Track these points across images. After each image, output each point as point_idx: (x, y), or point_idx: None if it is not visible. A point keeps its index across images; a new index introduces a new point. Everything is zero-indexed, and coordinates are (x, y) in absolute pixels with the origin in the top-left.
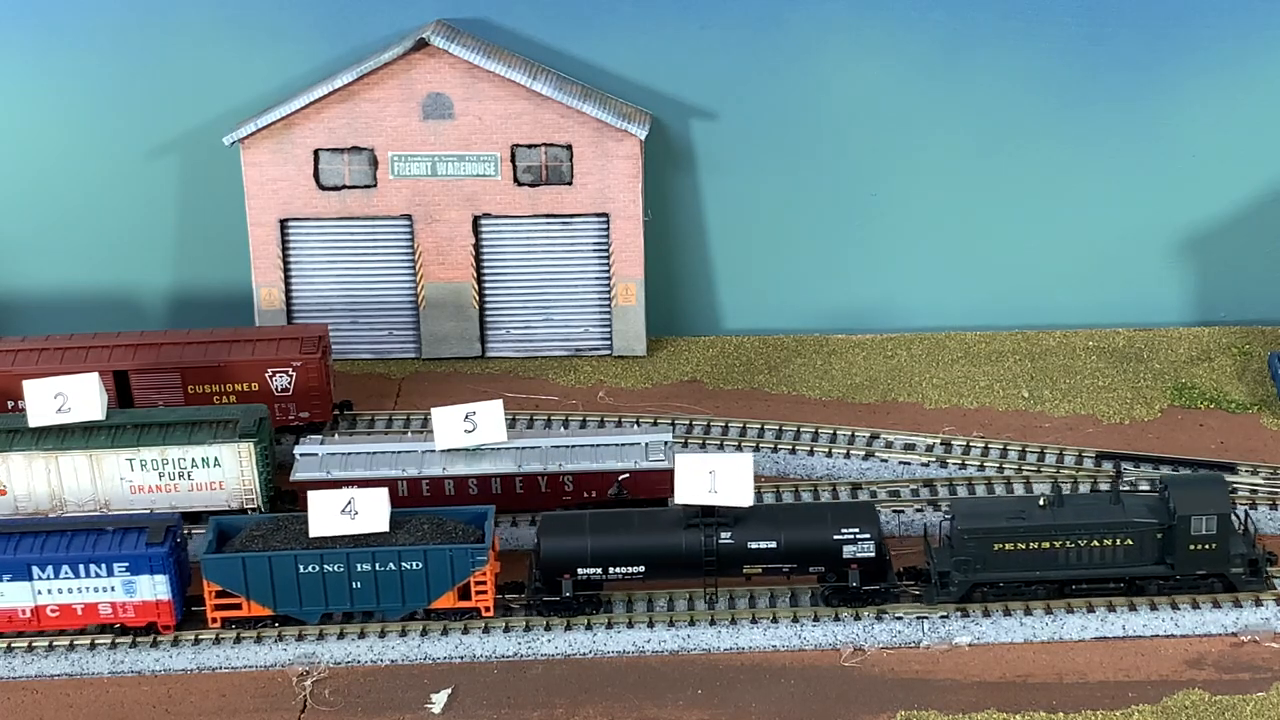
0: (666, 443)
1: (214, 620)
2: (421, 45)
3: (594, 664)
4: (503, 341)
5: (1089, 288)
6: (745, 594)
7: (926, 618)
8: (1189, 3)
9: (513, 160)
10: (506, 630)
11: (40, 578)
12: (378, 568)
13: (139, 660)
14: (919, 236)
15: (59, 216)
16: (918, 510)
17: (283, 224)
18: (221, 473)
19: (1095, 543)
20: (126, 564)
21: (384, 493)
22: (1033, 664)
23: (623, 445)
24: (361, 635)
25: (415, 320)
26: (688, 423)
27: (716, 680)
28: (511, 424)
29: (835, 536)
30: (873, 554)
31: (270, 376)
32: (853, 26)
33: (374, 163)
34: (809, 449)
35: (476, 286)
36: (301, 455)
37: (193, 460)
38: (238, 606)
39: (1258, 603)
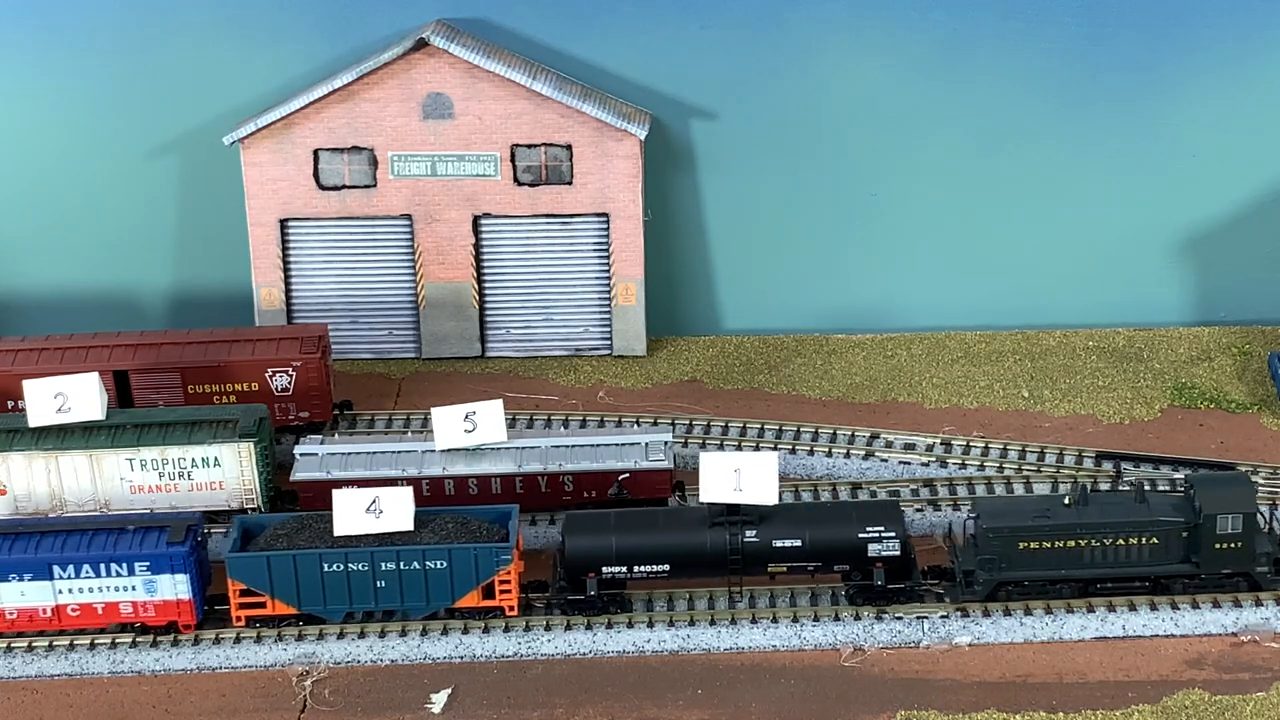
0: (666, 443)
1: (238, 619)
2: (421, 45)
3: (594, 664)
4: (503, 341)
5: (1089, 288)
6: (747, 593)
7: (926, 618)
8: (1189, 3)
9: (513, 160)
10: (506, 630)
11: (61, 577)
12: (402, 567)
13: (139, 660)
14: (919, 236)
15: (59, 216)
16: (918, 510)
17: (283, 224)
18: (221, 473)
19: (1120, 541)
20: (147, 563)
21: (409, 492)
22: (1033, 664)
23: (623, 445)
24: (361, 635)
25: (415, 320)
26: (688, 423)
27: (716, 680)
28: (511, 424)
29: (860, 535)
30: (898, 552)
31: (270, 376)
32: (853, 26)
33: (374, 163)
34: (809, 449)
35: (476, 286)
36: (301, 455)
37: (193, 460)
38: (262, 605)
39: (1258, 603)
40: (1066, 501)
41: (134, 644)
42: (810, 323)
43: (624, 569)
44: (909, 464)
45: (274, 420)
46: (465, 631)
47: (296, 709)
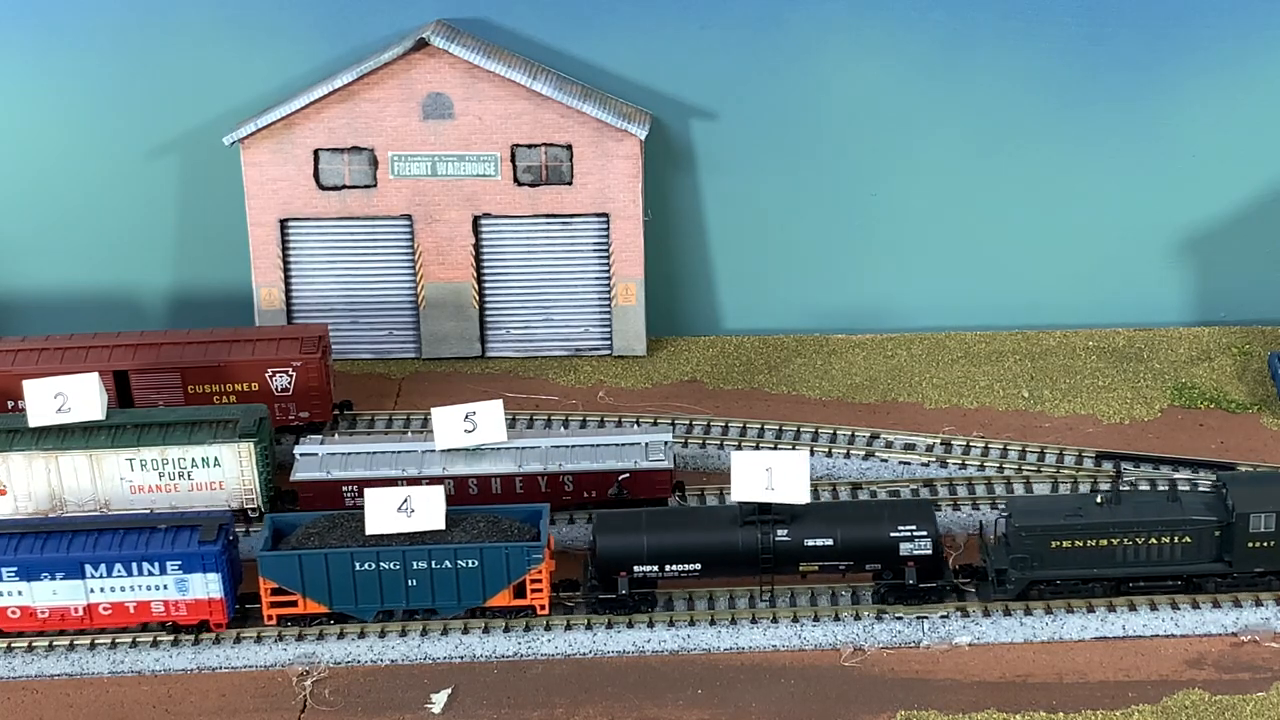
0: (666, 443)
1: (270, 618)
2: (421, 45)
3: (594, 664)
4: (503, 341)
5: (1089, 288)
6: (747, 593)
7: (926, 618)
8: (1189, 3)
9: (513, 160)
10: (506, 630)
11: (93, 576)
12: (434, 566)
13: (139, 660)
14: (919, 236)
15: (59, 216)
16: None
17: (283, 224)
18: (221, 473)
19: (1153, 540)
20: (179, 562)
21: (440, 490)
22: (1033, 664)
23: (623, 445)
24: (361, 635)
25: (415, 320)
26: (688, 423)
27: (716, 680)
28: (511, 424)
29: (892, 534)
30: (929, 551)
31: (270, 376)
32: (853, 26)
33: (374, 163)
34: (809, 449)
35: (476, 286)
36: (301, 455)
37: (193, 460)
38: (294, 604)
39: (1258, 603)
40: (1099, 500)
41: (134, 644)
42: (810, 323)
43: (655, 568)
44: (909, 464)
45: (274, 420)
46: (465, 631)
47: (296, 709)
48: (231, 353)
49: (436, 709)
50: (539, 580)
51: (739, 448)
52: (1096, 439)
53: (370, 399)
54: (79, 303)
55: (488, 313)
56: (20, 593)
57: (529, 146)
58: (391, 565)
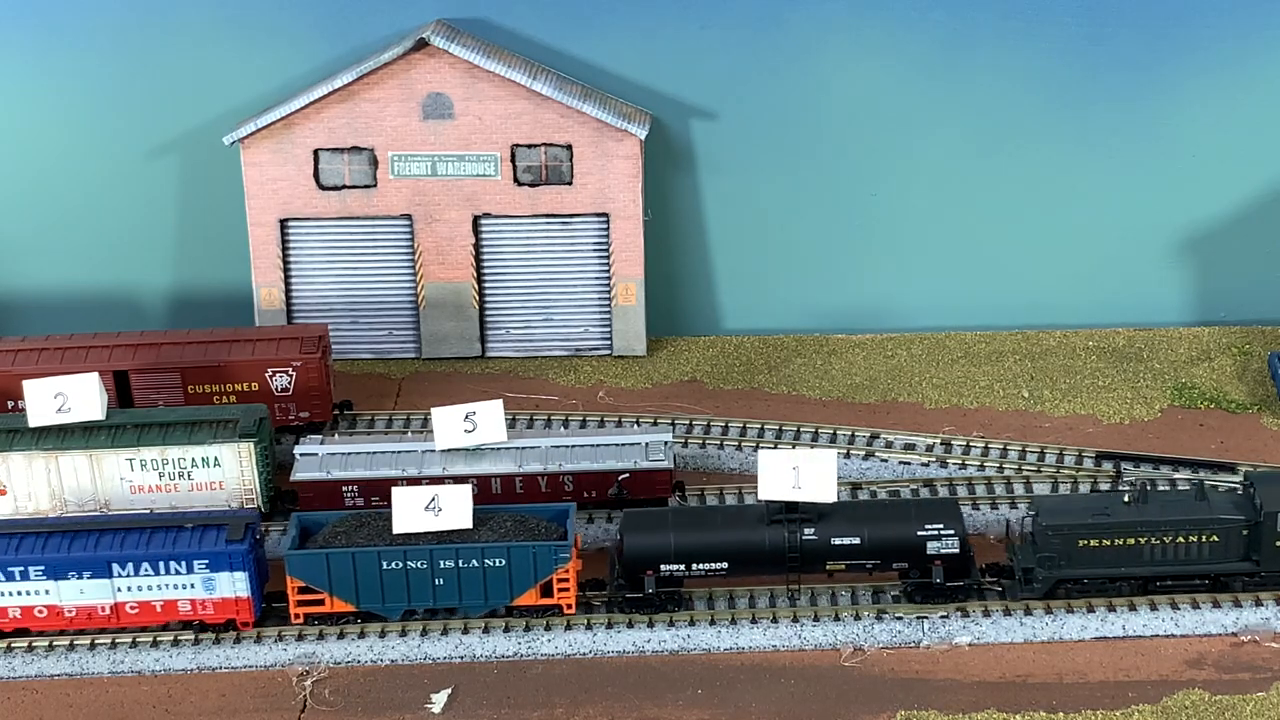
0: (666, 443)
1: (297, 616)
2: (421, 45)
3: (594, 664)
4: (503, 341)
5: (1089, 288)
6: (747, 593)
7: (926, 618)
8: (1189, 3)
9: (513, 160)
10: (506, 630)
11: (120, 575)
12: (461, 565)
13: (139, 660)
14: (919, 236)
15: (59, 216)
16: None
17: (283, 224)
18: (221, 473)
19: (1180, 539)
20: (206, 561)
21: (467, 489)
22: (1033, 664)
23: (623, 445)
24: (361, 635)
25: (415, 320)
26: (688, 423)
27: (716, 680)
28: (511, 424)
29: (919, 533)
30: (956, 550)
31: (270, 376)
32: (853, 26)
33: (374, 163)
34: (809, 449)
35: (476, 286)
36: (301, 455)
37: (193, 460)
38: (320, 603)
39: (1258, 603)
40: (1126, 499)
41: (134, 644)
42: (810, 323)
43: (682, 567)
44: (909, 464)
45: (274, 420)
46: (465, 631)
47: (296, 709)
48: (231, 353)
49: (436, 709)
50: (566, 579)
51: (739, 448)
52: (1096, 439)
53: (370, 399)
54: (79, 303)
55: (488, 313)
56: (47, 591)
57: (529, 146)
58: (419, 564)
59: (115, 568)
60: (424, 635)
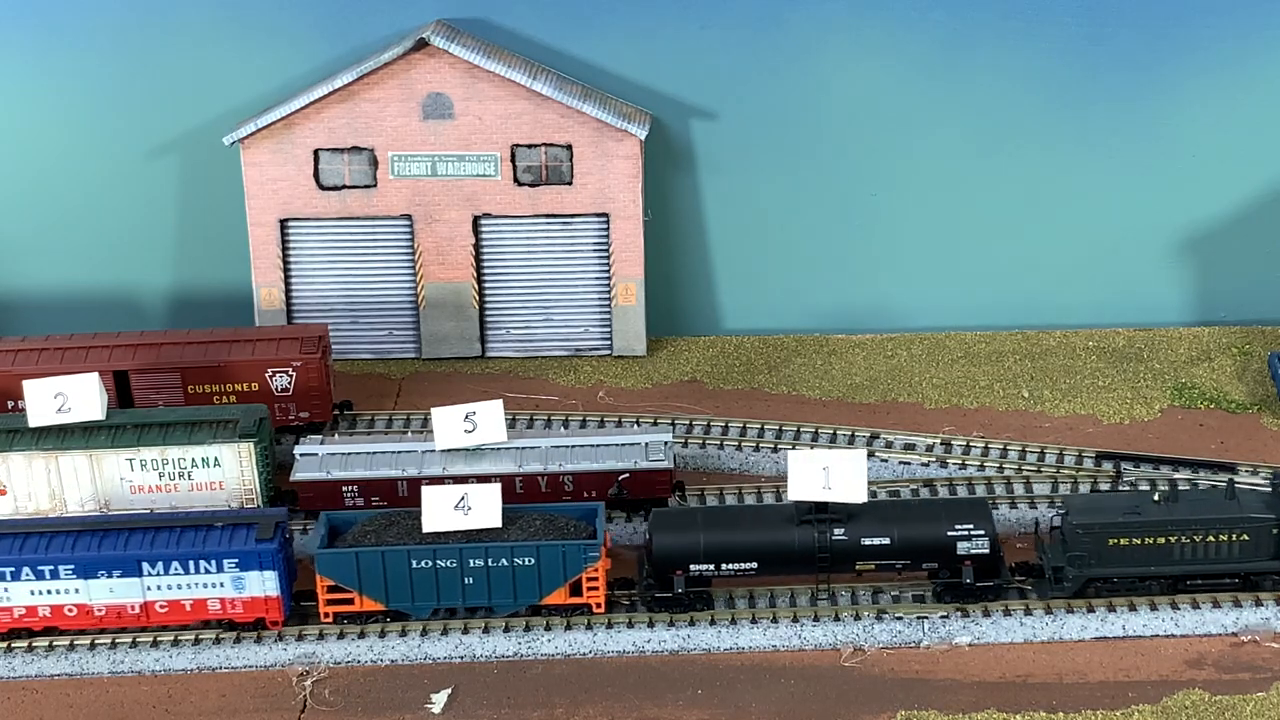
0: (666, 443)
1: (326, 615)
2: (421, 45)
3: (594, 664)
4: (503, 341)
5: (1089, 288)
6: (747, 593)
7: (926, 618)
8: (1189, 3)
9: (513, 160)
10: (506, 630)
11: (150, 574)
12: (490, 564)
13: (139, 660)
14: (919, 236)
15: (59, 216)
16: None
17: (283, 224)
18: (221, 473)
19: (1210, 538)
20: (236, 560)
21: (497, 488)
22: (1033, 664)
23: (623, 445)
24: (361, 635)
25: (415, 320)
26: (688, 423)
27: (716, 680)
28: (511, 424)
29: (949, 533)
30: (987, 550)
31: (270, 376)
32: (853, 26)
33: (374, 163)
34: (809, 449)
35: (476, 286)
36: (301, 455)
37: (193, 460)
38: (350, 601)
39: (1258, 603)
40: (1156, 498)
41: (134, 644)
42: (810, 323)
43: (711, 566)
44: (909, 464)
45: (274, 420)
46: (465, 632)
47: (296, 709)
48: (231, 353)
49: (436, 709)
50: (595, 578)
51: (739, 448)
52: (1096, 439)
53: (370, 399)
54: (79, 303)
55: (488, 313)
56: (77, 590)
57: (529, 146)
58: (448, 563)
59: (145, 566)
60: (424, 635)
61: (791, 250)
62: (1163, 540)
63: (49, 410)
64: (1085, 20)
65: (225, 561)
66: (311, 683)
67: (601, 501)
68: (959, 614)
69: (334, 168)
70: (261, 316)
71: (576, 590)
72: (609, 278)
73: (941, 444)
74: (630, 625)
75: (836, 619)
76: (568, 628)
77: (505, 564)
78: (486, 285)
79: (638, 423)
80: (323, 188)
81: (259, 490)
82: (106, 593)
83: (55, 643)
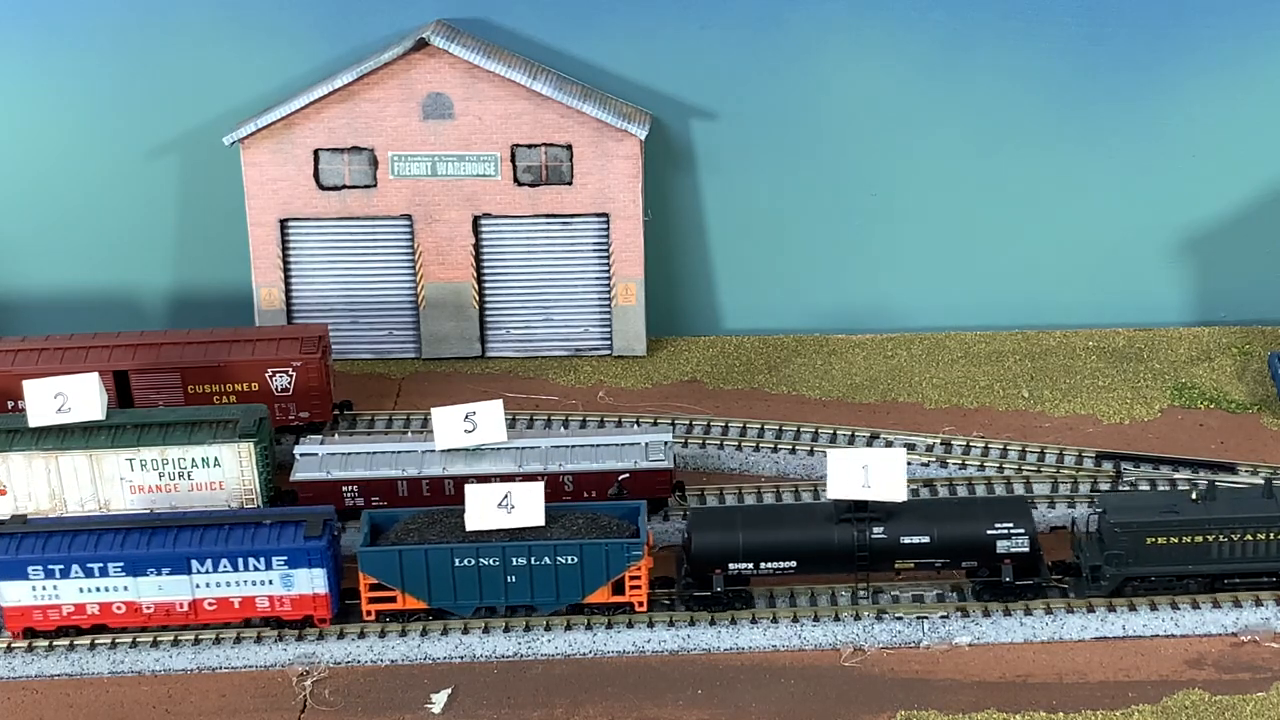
0: (666, 443)
1: (369, 614)
2: (421, 45)
3: (594, 664)
4: (503, 341)
5: (1089, 288)
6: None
7: (926, 618)
8: (1189, 3)
9: (513, 160)
10: (506, 630)
11: (199, 571)
12: (533, 562)
13: (139, 660)
14: (919, 236)
15: (59, 216)
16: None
17: (283, 224)
18: (221, 473)
19: (1248, 537)
20: (285, 557)
21: (539, 487)
22: (1033, 664)
23: (623, 445)
24: (361, 635)
25: (415, 320)
26: (688, 423)
27: (716, 680)
28: (511, 424)
29: (989, 531)
30: (1026, 549)
31: (270, 376)
32: (853, 26)
33: (374, 163)
34: (809, 449)
35: (476, 286)
36: (301, 455)
37: (193, 460)
38: (392, 600)
39: (1258, 603)
40: (1194, 497)
41: (134, 644)
42: (810, 323)
43: (750, 565)
44: (909, 464)
45: (274, 420)
46: (465, 632)
47: (296, 709)
48: (231, 353)
49: (436, 709)
50: (638, 577)
51: (739, 448)
52: (1096, 439)
53: (370, 399)
54: (79, 303)
55: (488, 313)
56: (126, 588)
57: (529, 146)
58: (491, 561)
59: (194, 564)
60: (424, 635)
61: (791, 250)
62: (1200, 539)
63: (49, 410)
64: (1085, 20)
65: (274, 559)
66: (311, 683)
67: (644, 500)
68: (959, 614)
69: (334, 168)
70: (261, 316)
71: (619, 589)
72: (609, 278)
73: (941, 444)
74: (630, 625)
75: (836, 619)
76: (567, 628)
77: (548, 562)
78: (486, 285)
79: (638, 423)
80: (323, 188)
81: (259, 490)
82: (155, 590)
83: (55, 643)
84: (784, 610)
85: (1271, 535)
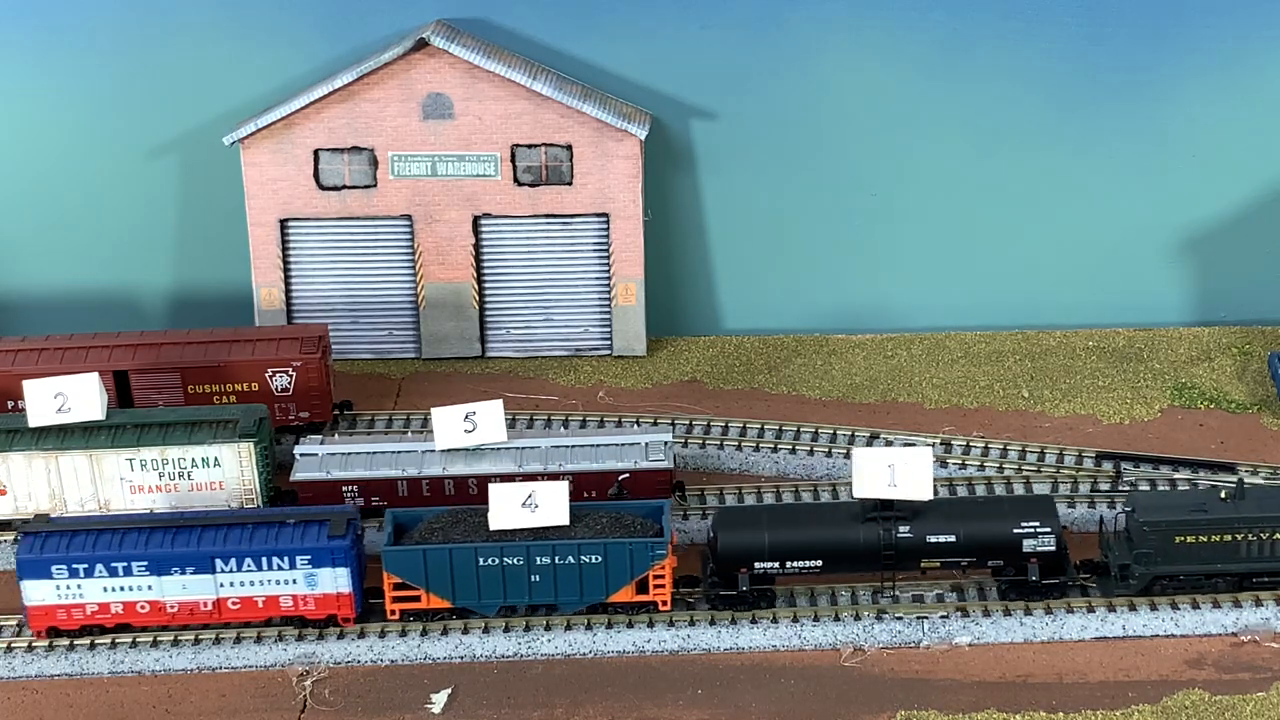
0: (666, 443)
1: (393, 613)
2: (421, 45)
3: (594, 664)
4: (503, 341)
5: (1089, 288)
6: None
7: (926, 618)
8: (1189, 3)
9: (513, 160)
10: (506, 630)
11: (223, 570)
12: (557, 561)
13: (139, 660)
14: (919, 236)
15: (59, 216)
16: None
17: (283, 224)
18: (221, 473)
19: (1278, 535)
20: (309, 556)
21: (564, 486)
22: (1033, 664)
23: (623, 445)
24: (361, 635)
25: (415, 320)
26: (688, 423)
27: (716, 680)
28: (511, 424)
29: (1015, 530)
30: (1053, 548)
31: (270, 376)
32: (853, 26)
33: (374, 163)
34: (809, 449)
35: (476, 286)
36: (301, 455)
37: (193, 460)
38: (416, 599)
39: (1258, 603)
40: (1223, 495)
41: (134, 644)
42: (810, 323)
43: (776, 564)
44: None
45: (274, 420)
46: (465, 632)
47: (296, 709)
48: (231, 353)
49: (436, 709)
50: (662, 576)
51: (739, 448)
52: (1096, 439)
53: (370, 399)
54: (79, 303)
55: (488, 313)
56: (150, 587)
57: (529, 146)
58: (515, 561)
59: (218, 563)
60: (424, 635)
61: (791, 250)
62: (1229, 538)
63: (49, 410)
64: (1085, 20)
65: (298, 558)
66: (311, 683)
67: (668, 499)
68: (959, 614)
69: (334, 168)
70: (261, 316)
71: (643, 588)
72: (609, 278)
73: (941, 444)
74: (630, 625)
75: (836, 619)
76: (568, 628)
77: (572, 562)
78: (486, 285)
79: (638, 423)
80: (323, 188)
81: (259, 490)
82: (180, 589)
83: (55, 643)
84: (784, 610)
85: None
